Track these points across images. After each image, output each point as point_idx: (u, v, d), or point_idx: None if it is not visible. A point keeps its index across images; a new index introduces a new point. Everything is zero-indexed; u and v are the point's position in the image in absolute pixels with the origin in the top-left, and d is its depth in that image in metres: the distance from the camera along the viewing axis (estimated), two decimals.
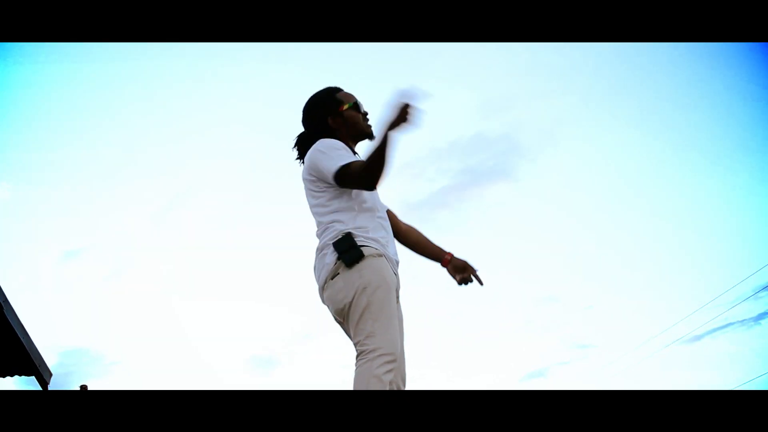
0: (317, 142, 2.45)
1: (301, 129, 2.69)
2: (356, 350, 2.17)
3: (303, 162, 2.57)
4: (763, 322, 19.09)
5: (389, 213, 2.68)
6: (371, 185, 2.29)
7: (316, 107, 2.61)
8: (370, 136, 2.58)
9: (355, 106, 2.59)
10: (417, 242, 2.69)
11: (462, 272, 2.59)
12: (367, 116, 2.61)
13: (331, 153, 2.37)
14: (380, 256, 2.30)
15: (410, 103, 2.18)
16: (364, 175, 2.26)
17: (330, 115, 2.56)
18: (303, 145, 2.62)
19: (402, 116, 2.17)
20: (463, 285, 2.59)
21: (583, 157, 20.30)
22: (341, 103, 2.57)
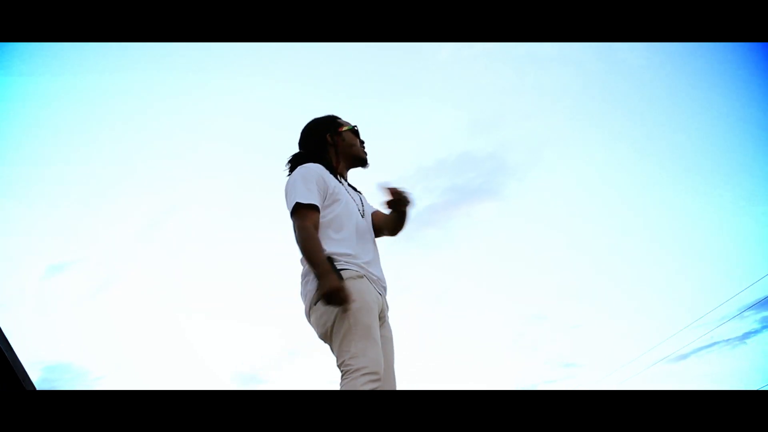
0: (296, 170, 2.49)
1: (292, 151, 2.71)
2: (341, 371, 2.20)
3: None
4: (748, 341, 19.23)
5: (377, 215, 2.70)
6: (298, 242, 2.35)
7: (316, 125, 2.70)
8: (364, 163, 2.69)
9: (355, 131, 2.70)
10: (385, 224, 2.67)
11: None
12: (364, 144, 2.70)
13: (303, 184, 2.41)
14: (360, 277, 2.33)
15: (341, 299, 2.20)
16: (299, 236, 2.33)
17: (329, 132, 2.65)
18: (295, 163, 2.64)
19: (332, 301, 2.20)
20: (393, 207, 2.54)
21: (569, 176, 20.49)
22: (341, 125, 2.68)
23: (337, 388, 2.27)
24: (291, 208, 2.38)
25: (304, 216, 2.35)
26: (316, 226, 2.36)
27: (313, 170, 2.48)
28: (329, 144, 2.64)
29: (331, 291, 2.17)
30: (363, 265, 2.39)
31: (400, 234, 2.70)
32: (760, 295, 14.98)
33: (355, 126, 2.72)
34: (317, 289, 2.23)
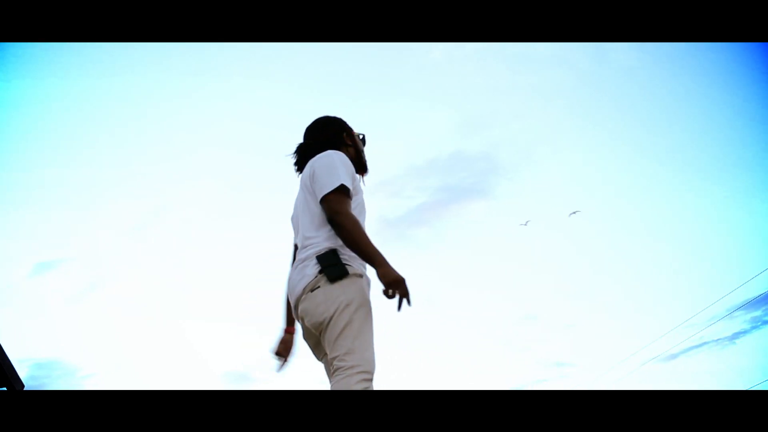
0: (332, 151, 2.46)
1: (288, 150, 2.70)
2: (334, 366, 2.15)
3: (300, 172, 2.60)
4: (737, 341, 19.37)
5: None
6: (335, 228, 2.28)
7: (333, 122, 2.71)
8: (364, 170, 2.70)
9: (363, 140, 2.77)
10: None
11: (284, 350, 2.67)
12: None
13: (344, 169, 2.38)
14: (361, 276, 2.30)
15: (406, 295, 2.17)
16: (347, 222, 2.25)
17: (345, 131, 2.70)
18: (305, 154, 2.62)
19: (396, 292, 2.16)
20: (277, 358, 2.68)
21: (561, 175, 20.56)
22: (352, 130, 2.73)
23: (328, 387, 2.27)
24: (333, 188, 2.30)
25: (347, 202, 2.32)
26: None
27: (347, 159, 2.48)
28: (346, 143, 2.67)
29: (398, 281, 2.14)
30: (364, 263, 2.36)
31: None
32: (750, 295, 15.13)
33: (364, 135, 2.77)
34: (382, 278, 2.15)
